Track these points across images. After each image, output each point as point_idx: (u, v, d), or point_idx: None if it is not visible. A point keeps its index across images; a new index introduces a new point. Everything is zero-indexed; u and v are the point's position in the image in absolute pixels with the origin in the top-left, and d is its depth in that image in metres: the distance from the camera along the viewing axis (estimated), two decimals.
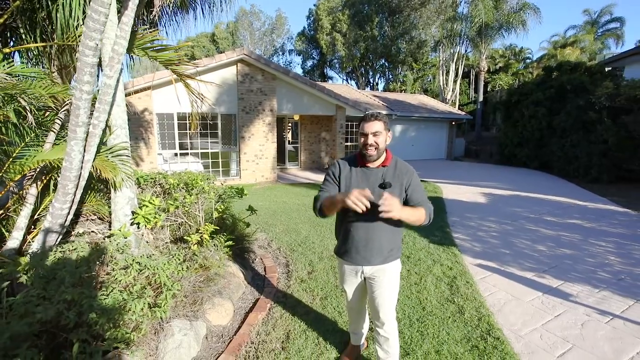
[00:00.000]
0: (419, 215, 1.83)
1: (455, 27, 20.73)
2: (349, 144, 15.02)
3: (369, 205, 1.58)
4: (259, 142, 11.13)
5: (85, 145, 2.16)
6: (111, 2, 1.95)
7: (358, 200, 1.57)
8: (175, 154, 10.47)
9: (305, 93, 11.83)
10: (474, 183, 10.11)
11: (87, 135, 2.23)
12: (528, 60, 30.67)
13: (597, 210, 6.75)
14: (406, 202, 1.92)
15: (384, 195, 1.64)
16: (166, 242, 3.57)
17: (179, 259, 2.61)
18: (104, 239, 3.15)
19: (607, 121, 9.16)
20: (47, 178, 2.92)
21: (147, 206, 3.06)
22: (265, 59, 10.94)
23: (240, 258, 3.95)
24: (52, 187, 2.91)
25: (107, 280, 1.92)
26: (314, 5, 32.77)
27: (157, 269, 2.16)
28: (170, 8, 4.22)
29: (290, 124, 14.46)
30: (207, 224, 3.25)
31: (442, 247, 4.57)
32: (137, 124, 9.20)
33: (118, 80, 3.01)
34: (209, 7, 4.59)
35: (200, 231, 3.39)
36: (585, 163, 9.84)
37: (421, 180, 11.50)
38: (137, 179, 3.59)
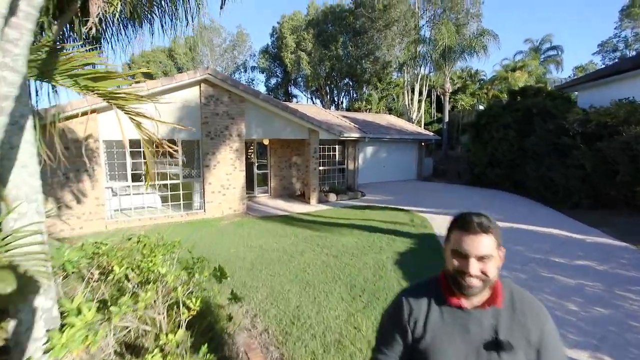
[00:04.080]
0: None
1: (419, 49, 21.19)
2: (322, 168, 14.22)
3: None
4: (226, 171, 9.94)
5: None
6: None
7: None
8: (127, 187, 8.99)
9: (276, 116, 10.91)
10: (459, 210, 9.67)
11: None
12: (482, 82, 32.55)
13: (596, 245, 6.43)
14: None
15: None
16: (109, 353, 2.43)
17: None
18: None
19: (583, 147, 9.22)
20: None
21: (72, 325, 1.92)
22: (233, 79, 9.93)
23: (218, 353, 2.85)
24: None
25: None
26: (278, 23, 32.37)
27: None
28: (118, 20, 3.14)
29: (252, 145, 13.51)
30: (171, 332, 2.17)
31: None
32: (78, 153, 7.65)
33: (22, 128, 1.92)
34: (171, 20, 3.57)
35: (162, 341, 2.29)
36: (564, 187, 9.82)
37: (400, 209, 10.04)
38: (63, 264, 2.42)
